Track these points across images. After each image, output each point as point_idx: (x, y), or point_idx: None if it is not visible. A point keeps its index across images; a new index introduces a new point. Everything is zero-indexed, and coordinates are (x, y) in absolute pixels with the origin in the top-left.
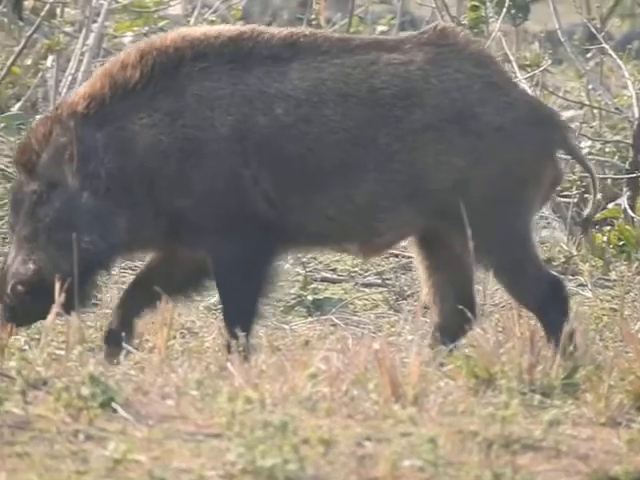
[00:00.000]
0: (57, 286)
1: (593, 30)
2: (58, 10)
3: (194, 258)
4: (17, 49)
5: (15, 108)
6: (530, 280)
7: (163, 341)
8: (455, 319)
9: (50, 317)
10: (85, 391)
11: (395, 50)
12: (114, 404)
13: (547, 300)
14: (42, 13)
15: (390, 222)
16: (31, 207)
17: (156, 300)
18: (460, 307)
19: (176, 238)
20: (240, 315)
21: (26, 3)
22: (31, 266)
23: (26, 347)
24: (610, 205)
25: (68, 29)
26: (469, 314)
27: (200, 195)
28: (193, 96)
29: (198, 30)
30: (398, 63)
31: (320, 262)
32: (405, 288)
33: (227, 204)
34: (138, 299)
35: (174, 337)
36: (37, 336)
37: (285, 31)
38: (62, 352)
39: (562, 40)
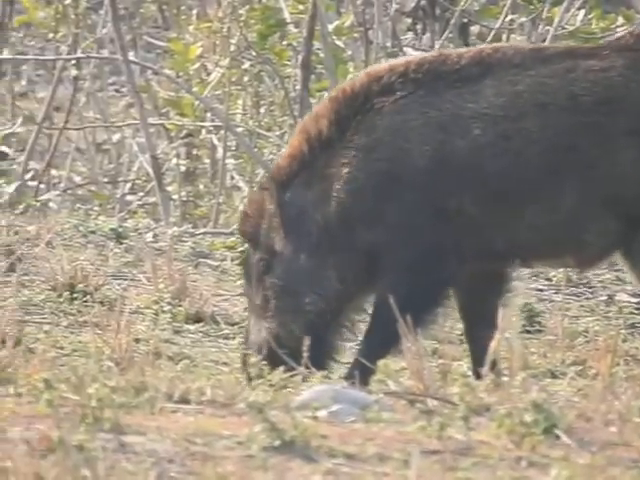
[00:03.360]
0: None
1: None
2: (504, 36)
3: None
4: None
5: None
6: None
7: (607, 368)
8: None
9: (493, 343)
10: (528, 418)
11: (593, 57)
12: (557, 430)
13: None
14: (488, 39)
15: (594, 230)
16: (259, 276)
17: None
18: None
19: (374, 274)
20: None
21: (472, 28)
22: (265, 335)
23: (469, 373)
24: None
25: None
26: None
27: (398, 229)
28: (385, 130)
29: (384, 64)
30: (598, 70)
31: None
32: None
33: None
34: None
35: (618, 364)
36: None
37: (473, 49)
38: (505, 378)
39: None
